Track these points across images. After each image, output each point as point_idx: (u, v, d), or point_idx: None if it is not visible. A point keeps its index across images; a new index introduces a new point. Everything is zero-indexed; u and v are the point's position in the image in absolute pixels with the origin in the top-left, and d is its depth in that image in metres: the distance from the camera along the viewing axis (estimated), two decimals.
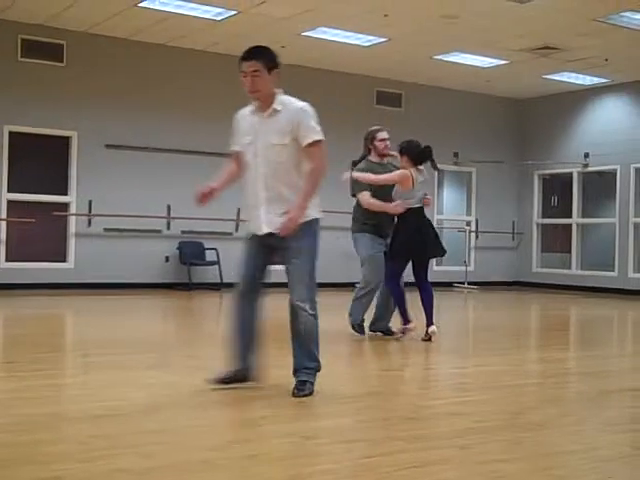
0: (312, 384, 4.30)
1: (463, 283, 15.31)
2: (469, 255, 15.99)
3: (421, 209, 6.95)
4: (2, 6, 11.08)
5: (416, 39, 12.21)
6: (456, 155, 15.84)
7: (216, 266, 12.90)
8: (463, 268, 15.56)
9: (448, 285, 15.15)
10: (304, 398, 4.19)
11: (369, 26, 11.71)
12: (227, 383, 4.36)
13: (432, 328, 6.77)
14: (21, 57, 11.94)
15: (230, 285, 13.27)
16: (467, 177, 16.43)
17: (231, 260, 12.98)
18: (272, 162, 4.33)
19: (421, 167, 7.03)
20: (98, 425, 3.53)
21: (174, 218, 12.83)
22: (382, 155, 7.23)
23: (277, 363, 4.73)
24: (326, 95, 14.41)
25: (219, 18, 11.48)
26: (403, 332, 6.89)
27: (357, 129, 14.86)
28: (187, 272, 12.70)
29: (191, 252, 12.86)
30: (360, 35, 12.24)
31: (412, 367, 5.96)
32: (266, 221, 4.32)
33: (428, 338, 6.76)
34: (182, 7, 11.09)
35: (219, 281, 12.83)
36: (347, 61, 13.75)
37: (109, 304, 10.46)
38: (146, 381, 4.77)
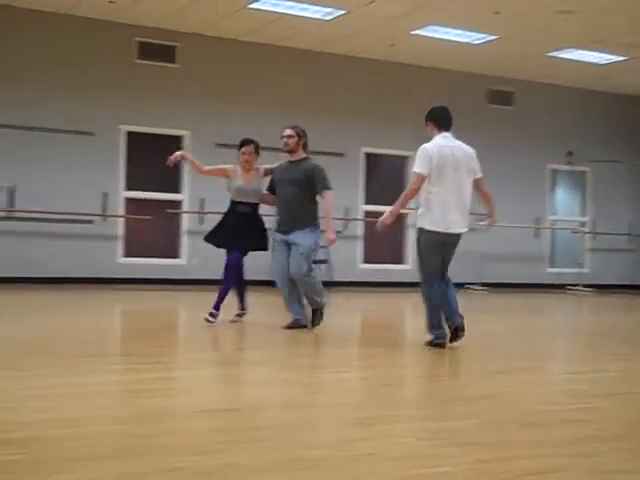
0: None
1: (577, 286, 14.84)
2: (584, 257, 15.50)
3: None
4: (119, 10, 11.45)
5: (529, 36, 11.92)
6: (570, 154, 15.39)
7: (325, 264, 12.93)
8: (577, 270, 15.09)
9: (561, 287, 14.73)
10: (414, 397, 4.14)
11: (480, 23, 11.51)
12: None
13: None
14: (137, 59, 12.32)
15: (339, 284, 13.27)
16: (581, 177, 15.94)
17: (341, 259, 13.21)
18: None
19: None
20: (212, 420, 3.58)
21: None
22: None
23: (395, 362, 4.69)
24: (435, 94, 14.22)
25: (328, 18, 11.52)
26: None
27: (468, 129, 14.65)
28: None
29: None
30: (471, 33, 12.06)
31: (525, 371, 5.79)
32: None
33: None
34: (292, 8, 11.19)
35: (329, 280, 12.88)
36: (457, 59, 13.56)
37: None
38: (257, 378, 4.81)
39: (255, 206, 7.26)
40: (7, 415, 3.52)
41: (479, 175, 6.29)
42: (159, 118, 12.43)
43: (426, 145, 6.12)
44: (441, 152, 6.06)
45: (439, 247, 6.12)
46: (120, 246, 12.26)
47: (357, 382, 4.91)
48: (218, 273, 12.39)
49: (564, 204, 16.55)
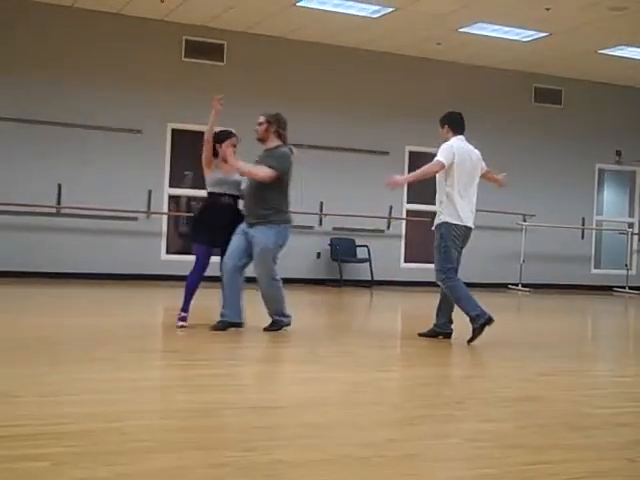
0: None
1: (624, 287, 14.63)
2: (631, 258, 15.27)
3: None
4: (168, 9, 11.58)
5: (579, 33, 11.76)
6: (619, 154, 15.16)
7: (367, 263, 12.95)
8: (624, 272, 14.87)
9: (607, 289, 14.53)
10: (458, 398, 4.13)
11: (529, 20, 11.39)
12: None
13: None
14: (185, 57, 12.44)
15: (381, 283, 13.28)
16: (630, 177, 15.69)
17: (382, 257, 13.20)
18: None
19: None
20: (258, 416, 3.61)
21: (326, 215, 12.97)
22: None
23: (436, 362, 4.68)
24: (482, 92, 14.16)
25: (376, 15, 11.51)
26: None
27: (514, 127, 14.62)
28: (338, 269, 12.81)
29: (342, 249, 12.97)
30: (520, 30, 11.94)
31: (570, 373, 5.73)
32: None
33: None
34: (340, 5, 11.20)
35: (370, 278, 12.89)
36: (504, 57, 13.44)
37: (260, 298, 10.70)
38: (301, 375, 4.84)
39: (237, 199, 6.78)
40: (61, 408, 3.60)
41: (485, 168, 6.81)
42: (206, 116, 12.49)
43: (450, 142, 6.55)
44: (461, 151, 6.52)
45: (460, 240, 6.51)
46: (163, 243, 12.39)
47: (400, 381, 4.92)
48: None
49: (611, 204, 16.32)
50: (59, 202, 11.66)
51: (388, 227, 13.49)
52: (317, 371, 4.96)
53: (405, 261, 13.86)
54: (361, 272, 13.10)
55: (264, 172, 6.46)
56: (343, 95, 13.26)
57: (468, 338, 6.26)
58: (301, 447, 3.11)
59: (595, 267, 14.98)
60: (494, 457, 3.15)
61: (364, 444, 3.19)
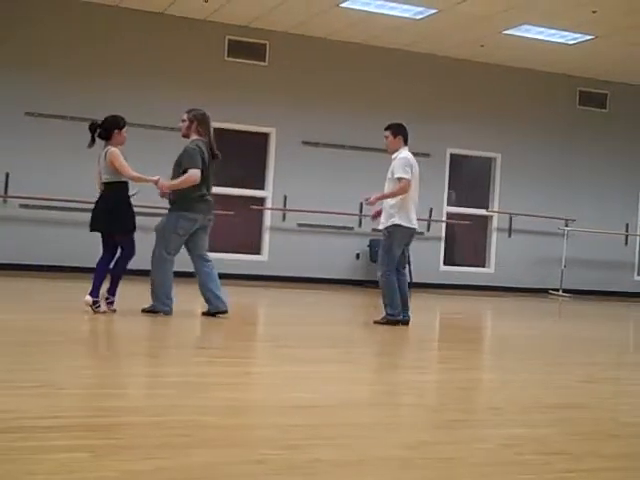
0: None
1: None
2: None
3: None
4: (212, 9, 11.66)
5: (627, 35, 11.59)
6: None
7: (406, 265, 12.90)
8: None
9: None
10: (496, 403, 4.10)
11: (575, 23, 11.28)
12: None
13: (87, 298, 6.69)
14: (227, 57, 12.52)
15: (420, 285, 13.21)
16: None
17: (422, 260, 13.14)
18: None
19: None
20: (296, 415, 3.62)
21: (366, 216, 12.93)
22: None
23: (474, 365, 4.65)
24: (525, 95, 14.04)
25: (419, 17, 11.47)
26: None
27: (558, 131, 14.47)
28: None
29: None
30: (565, 33, 11.82)
31: (610, 381, 5.66)
32: None
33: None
34: (382, 7, 11.19)
35: (409, 280, 12.83)
36: (549, 60, 13.32)
37: (299, 297, 10.75)
38: (337, 375, 4.84)
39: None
40: (102, 401, 3.66)
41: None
42: (246, 115, 12.60)
43: (404, 154, 7.27)
44: (412, 161, 7.31)
45: (406, 240, 7.31)
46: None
47: (438, 384, 4.90)
48: (298, 270, 12.59)
49: None
50: None
51: (428, 229, 13.43)
52: (354, 371, 4.96)
53: (445, 264, 13.80)
54: None
55: (191, 178, 6.84)
56: (384, 96, 13.23)
57: (377, 319, 7.21)
58: (339, 447, 3.11)
59: (638, 274, 14.76)
60: (532, 464, 3.12)
61: (402, 446, 3.18)
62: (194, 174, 6.82)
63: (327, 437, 3.26)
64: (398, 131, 7.34)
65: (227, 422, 3.39)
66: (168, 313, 6.95)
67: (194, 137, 7.04)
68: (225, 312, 7.06)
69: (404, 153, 7.23)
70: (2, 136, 11.44)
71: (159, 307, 6.97)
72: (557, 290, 13.65)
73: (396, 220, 7.13)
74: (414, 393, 4.32)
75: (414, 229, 7.29)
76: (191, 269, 7.17)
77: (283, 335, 6.66)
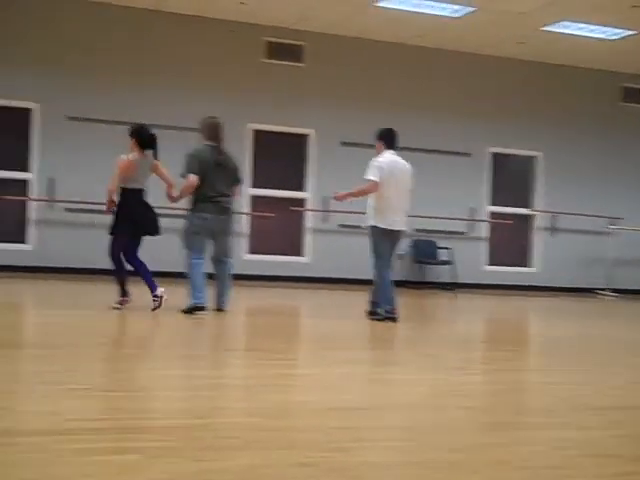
0: None
1: None
2: None
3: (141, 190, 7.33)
4: (249, 11, 11.69)
5: None
6: None
7: (449, 266, 12.82)
8: None
9: None
10: (545, 404, 4.03)
11: (616, 18, 11.11)
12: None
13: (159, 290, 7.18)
14: (264, 58, 12.55)
15: (463, 285, 13.05)
16: None
17: (465, 260, 13.03)
18: None
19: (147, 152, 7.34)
20: (342, 417, 3.59)
21: (408, 216, 12.84)
22: None
23: (521, 366, 4.58)
24: (566, 92, 13.87)
25: (456, 15, 11.39)
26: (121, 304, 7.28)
27: (600, 127, 14.25)
28: (419, 271, 12.73)
29: (424, 251, 12.89)
30: (606, 28, 11.65)
31: None
32: None
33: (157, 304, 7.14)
34: (419, 5, 11.13)
35: (451, 281, 12.76)
36: (590, 56, 13.14)
37: (341, 298, 10.72)
38: (383, 377, 4.81)
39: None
40: (150, 403, 3.68)
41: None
42: (285, 117, 12.61)
43: (383, 159, 7.57)
44: (392, 166, 7.54)
45: (388, 239, 7.61)
46: (245, 243, 12.51)
47: (485, 386, 4.83)
48: (341, 271, 12.55)
49: None
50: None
51: (470, 229, 13.32)
52: (400, 373, 4.92)
53: (488, 264, 13.67)
54: (442, 274, 12.98)
55: (186, 183, 7.34)
56: (422, 95, 13.17)
57: (370, 314, 7.53)
58: (387, 449, 3.07)
59: None
60: (584, 466, 3.05)
61: (451, 448, 3.13)
62: (189, 179, 7.29)
63: (373, 439, 3.22)
64: (379, 136, 7.72)
65: (272, 424, 3.37)
66: (202, 307, 7.24)
67: (204, 142, 7.54)
68: (202, 309, 7.29)
69: (381, 157, 7.56)
70: (47, 141, 11.59)
71: (194, 303, 7.27)
72: (603, 290, 13.44)
73: (371, 221, 7.56)
74: (461, 395, 4.26)
75: (392, 230, 7.54)
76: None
77: (326, 336, 6.64)
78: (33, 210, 11.65)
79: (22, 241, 11.69)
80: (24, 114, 11.64)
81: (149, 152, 7.39)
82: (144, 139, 7.33)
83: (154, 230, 7.38)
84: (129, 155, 7.24)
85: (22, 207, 11.68)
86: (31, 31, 11.49)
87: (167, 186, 7.56)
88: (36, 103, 11.62)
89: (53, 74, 11.60)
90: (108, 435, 3.02)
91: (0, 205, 11.66)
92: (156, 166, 7.44)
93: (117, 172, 7.16)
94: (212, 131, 7.56)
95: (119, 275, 7.32)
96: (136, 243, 7.36)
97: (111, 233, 7.27)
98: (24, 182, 11.71)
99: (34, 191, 11.66)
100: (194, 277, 7.26)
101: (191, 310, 7.19)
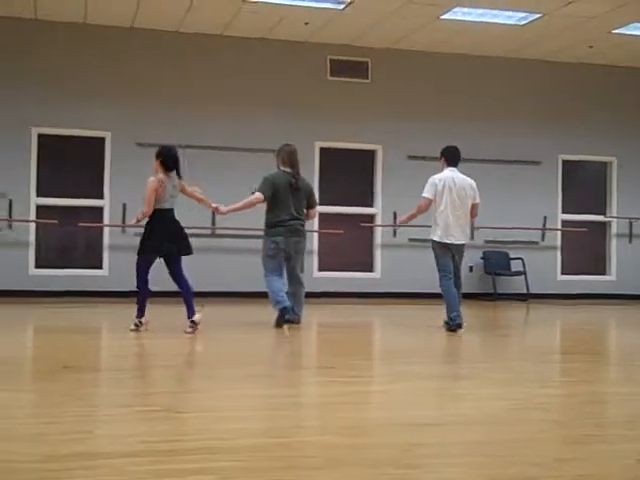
0: None
1: None
2: None
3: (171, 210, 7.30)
4: (313, 30, 11.77)
5: None
6: None
7: (522, 276, 12.61)
8: None
9: None
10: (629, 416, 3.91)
11: None
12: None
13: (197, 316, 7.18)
14: (330, 76, 12.61)
15: (537, 296, 12.80)
16: None
17: (538, 270, 12.79)
18: None
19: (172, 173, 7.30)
20: (420, 433, 3.55)
21: (478, 228, 12.71)
22: None
23: (600, 378, 4.45)
24: (638, 95, 13.56)
25: (522, 23, 11.25)
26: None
27: None
28: (492, 282, 12.55)
29: (496, 262, 12.71)
30: None
31: None
32: None
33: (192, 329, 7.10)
34: (484, 15, 11.02)
35: (525, 291, 12.53)
36: None
37: (414, 313, 10.64)
38: (459, 391, 4.75)
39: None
40: (223, 424, 3.67)
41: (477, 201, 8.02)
42: (352, 133, 12.63)
43: (438, 175, 7.91)
44: (445, 182, 7.82)
45: (445, 252, 7.85)
46: (315, 260, 12.53)
47: (564, 398, 4.71)
48: (412, 285, 12.46)
49: None
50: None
51: (542, 238, 13.08)
52: (477, 387, 4.84)
53: (562, 273, 13.39)
54: (515, 285, 12.77)
55: (250, 199, 7.89)
56: (489, 106, 13.03)
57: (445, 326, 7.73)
58: (468, 465, 3.02)
59: None
60: None
61: (533, 463, 3.06)
62: (254, 196, 7.78)
63: (453, 455, 3.17)
64: (441, 153, 8.04)
65: (349, 442, 3.35)
66: (286, 310, 7.53)
67: (281, 168, 7.94)
68: (292, 322, 7.64)
69: (438, 174, 7.91)
70: (116, 167, 11.84)
71: (278, 308, 7.61)
72: None
73: (431, 236, 7.93)
74: (541, 408, 4.17)
75: (450, 244, 7.80)
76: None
77: (401, 351, 6.59)
78: (107, 236, 11.91)
79: (99, 267, 11.95)
80: (98, 143, 11.93)
81: (173, 174, 7.37)
82: (168, 160, 7.36)
83: (186, 249, 7.38)
84: (158, 176, 7.29)
85: (98, 233, 11.95)
86: (102, 64, 11.79)
87: (200, 202, 7.74)
88: (107, 131, 11.89)
89: (123, 104, 11.86)
90: (184, 456, 3.03)
91: (78, 232, 11.96)
92: (183, 187, 7.46)
93: (150, 194, 7.19)
94: (288, 157, 7.94)
95: (142, 295, 7.31)
96: (177, 262, 7.36)
97: (139, 252, 7.34)
98: (100, 209, 11.99)
99: (107, 217, 11.92)
100: (272, 288, 7.68)
101: (280, 316, 7.53)
